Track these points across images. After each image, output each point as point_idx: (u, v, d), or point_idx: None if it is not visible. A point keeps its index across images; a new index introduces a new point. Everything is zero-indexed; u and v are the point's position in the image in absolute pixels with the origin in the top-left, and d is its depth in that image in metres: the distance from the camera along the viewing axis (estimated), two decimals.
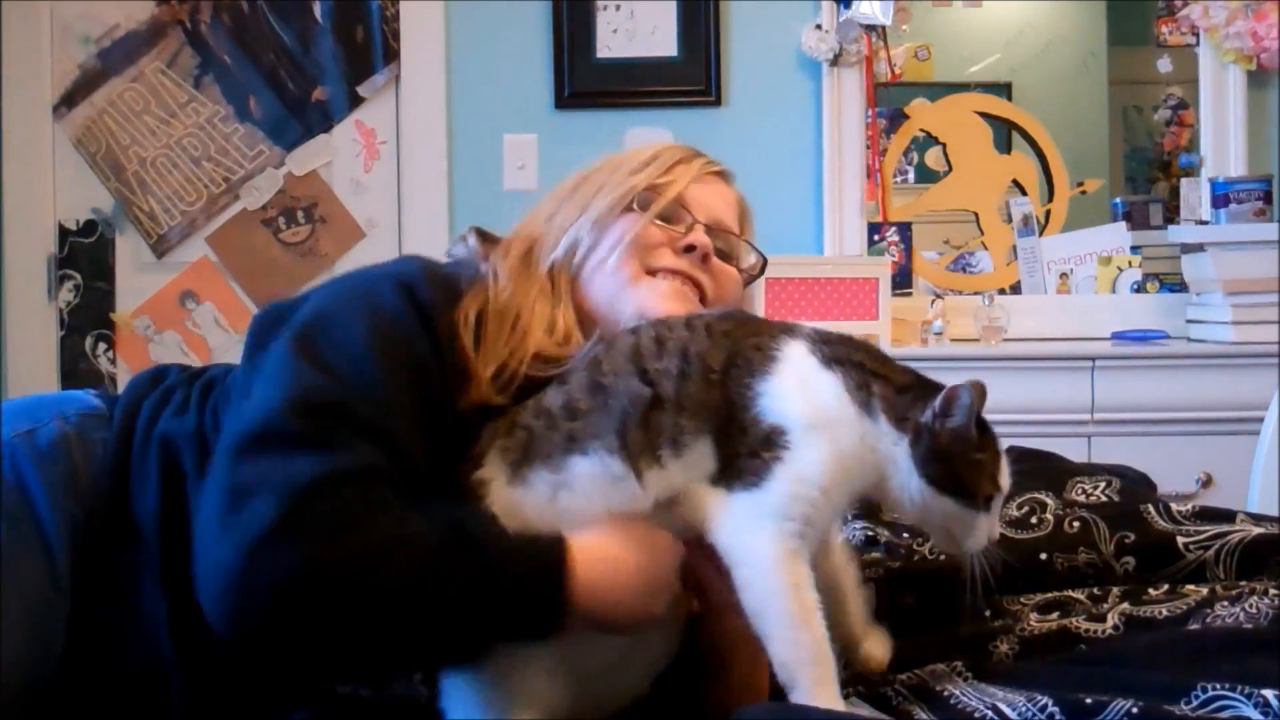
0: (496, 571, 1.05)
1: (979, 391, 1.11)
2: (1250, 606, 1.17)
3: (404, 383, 1.13)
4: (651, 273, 1.30)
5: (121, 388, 1.50)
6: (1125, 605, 1.21)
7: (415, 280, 1.20)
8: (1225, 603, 1.20)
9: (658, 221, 1.34)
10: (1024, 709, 1.05)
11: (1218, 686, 0.99)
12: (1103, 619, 1.20)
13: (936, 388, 1.14)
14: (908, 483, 1.11)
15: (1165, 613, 1.20)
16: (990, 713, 1.04)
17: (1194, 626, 1.16)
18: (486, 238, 1.38)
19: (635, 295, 1.28)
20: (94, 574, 1.24)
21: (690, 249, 1.31)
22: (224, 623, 1.02)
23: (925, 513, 1.12)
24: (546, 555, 1.08)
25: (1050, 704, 1.04)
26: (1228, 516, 1.51)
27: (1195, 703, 1.00)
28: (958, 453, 1.10)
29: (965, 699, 1.08)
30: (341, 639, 1.04)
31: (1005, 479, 1.14)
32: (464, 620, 1.06)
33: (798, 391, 1.11)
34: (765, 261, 1.41)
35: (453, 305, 1.20)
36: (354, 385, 1.10)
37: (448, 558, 1.04)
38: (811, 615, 1.07)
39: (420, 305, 1.18)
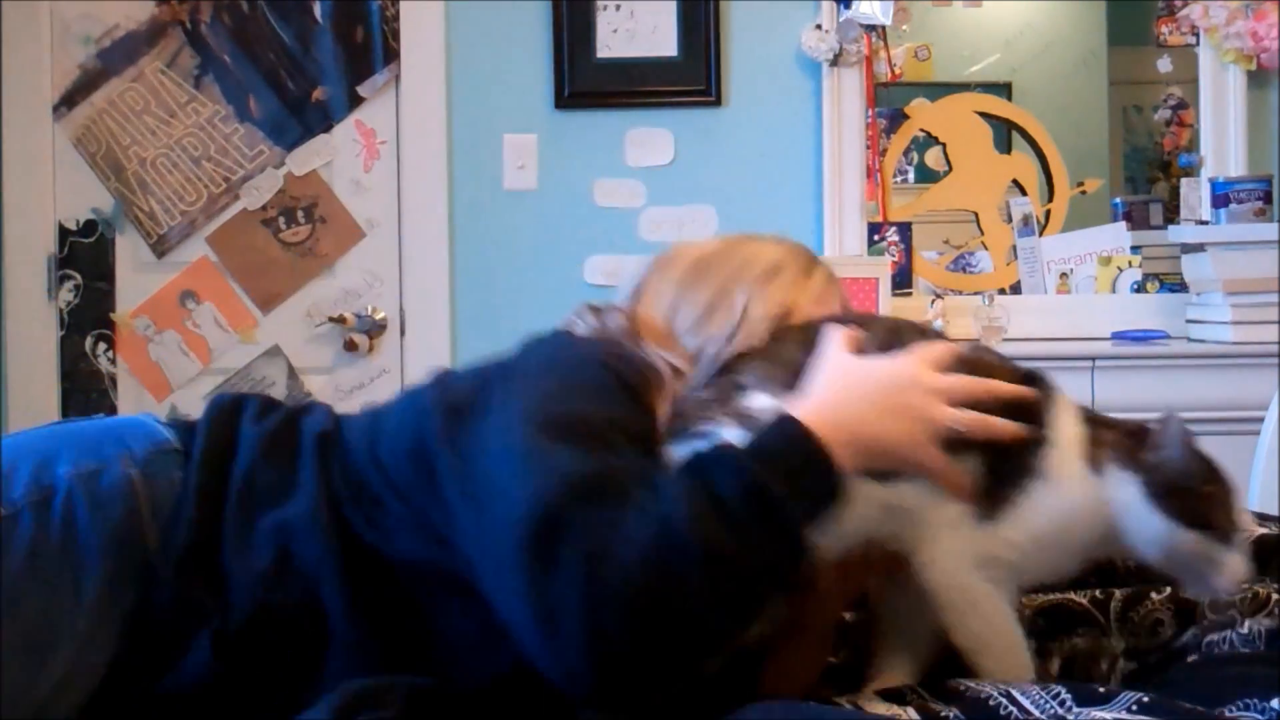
0: (763, 488, 1.02)
1: (1182, 422, 1.12)
2: (1243, 629, 1.17)
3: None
4: None
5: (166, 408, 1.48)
6: (1120, 663, 1.22)
7: (621, 364, 1.19)
8: (1215, 631, 1.19)
9: None
10: (1036, 696, 1.05)
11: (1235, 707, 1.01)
12: (1109, 699, 1.19)
13: (1146, 428, 1.14)
14: (1147, 525, 1.11)
15: (1158, 657, 1.19)
16: (1004, 699, 1.05)
17: (1192, 658, 1.17)
18: (598, 312, 1.36)
19: None
20: (144, 625, 1.22)
21: None
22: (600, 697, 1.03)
23: (1171, 554, 1.12)
24: (790, 433, 1.06)
25: (1063, 691, 1.05)
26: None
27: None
28: (1188, 485, 1.10)
29: (978, 688, 1.08)
30: (705, 630, 1.02)
31: (1243, 516, 1.14)
32: (777, 545, 1.03)
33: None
34: None
35: (649, 391, 1.20)
36: (606, 444, 1.09)
37: (727, 519, 1.01)
38: (1017, 646, 1.13)
39: (630, 387, 1.17)
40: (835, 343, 1.16)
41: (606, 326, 1.32)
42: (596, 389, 1.16)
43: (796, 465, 1.05)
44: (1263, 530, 1.45)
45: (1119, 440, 1.13)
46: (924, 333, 1.22)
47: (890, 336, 1.18)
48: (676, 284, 1.33)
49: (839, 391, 1.12)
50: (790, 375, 1.15)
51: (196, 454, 1.28)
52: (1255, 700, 1.01)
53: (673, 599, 0.99)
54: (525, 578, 1.02)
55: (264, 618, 1.22)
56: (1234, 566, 1.10)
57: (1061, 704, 1.04)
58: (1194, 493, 1.10)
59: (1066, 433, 1.13)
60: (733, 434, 1.10)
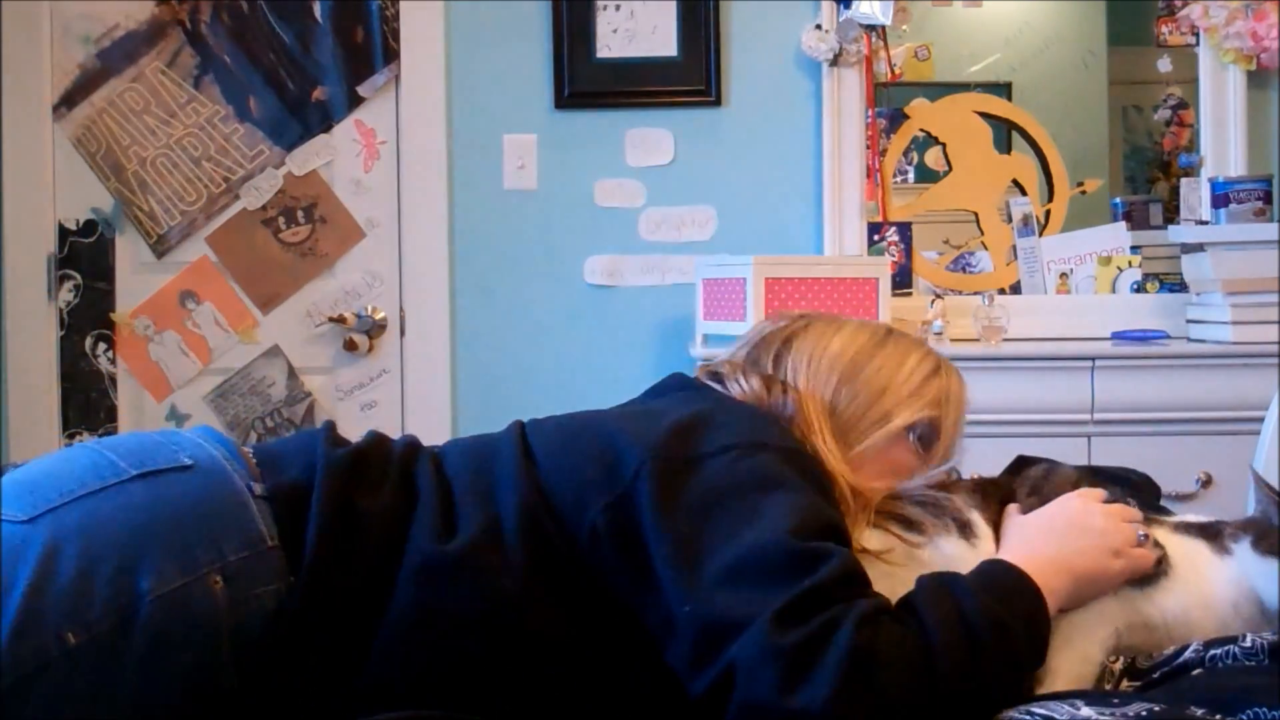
0: (1004, 625, 1.11)
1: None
2: (1246, 643, 1.17)
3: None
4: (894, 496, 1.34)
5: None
6: (1125, 680, 1.22)
7: (800, 458, 1.25)
8: (1216, 645, 1.19)
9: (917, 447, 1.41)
10: (1053, 704, 1.06)
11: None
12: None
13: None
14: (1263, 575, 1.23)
15: (1162, 672, 1.20)
16: (1024, 715, 1.05)
17: (1196, 672, 1.16)
18: (769, 385, 1.40)
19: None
20: None
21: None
22: None
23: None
24: (1012, 580, 1.16)
25: (1080, 701, 1.06)
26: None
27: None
28: None
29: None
30: None
31: None
32: (1002, 680, 1.11)
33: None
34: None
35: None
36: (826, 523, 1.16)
37: (975, 649, 1.09)
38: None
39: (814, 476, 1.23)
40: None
41: (780, 410, 1.36)
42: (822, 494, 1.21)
43: (1022, 604, 1.15)
44: None
45: (1235, 530, 1.29)
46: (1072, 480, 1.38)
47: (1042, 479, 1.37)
48: (837, 375, 1.40)
49: (1042, 537, 1.25)
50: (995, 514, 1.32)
51: (304, 570, 1.17)
52: (1264, 710, 1.01)
53: (917, 712, 1.05)
54: (772, 631, 1.05)
55: None
56: None
57: (1076, 709, 1.04)
58: None
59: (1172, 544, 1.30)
60: (951, 546, 1.25)
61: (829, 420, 1.34)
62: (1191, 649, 1.20)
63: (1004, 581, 1.16)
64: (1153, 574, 1.26)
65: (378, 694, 1.17)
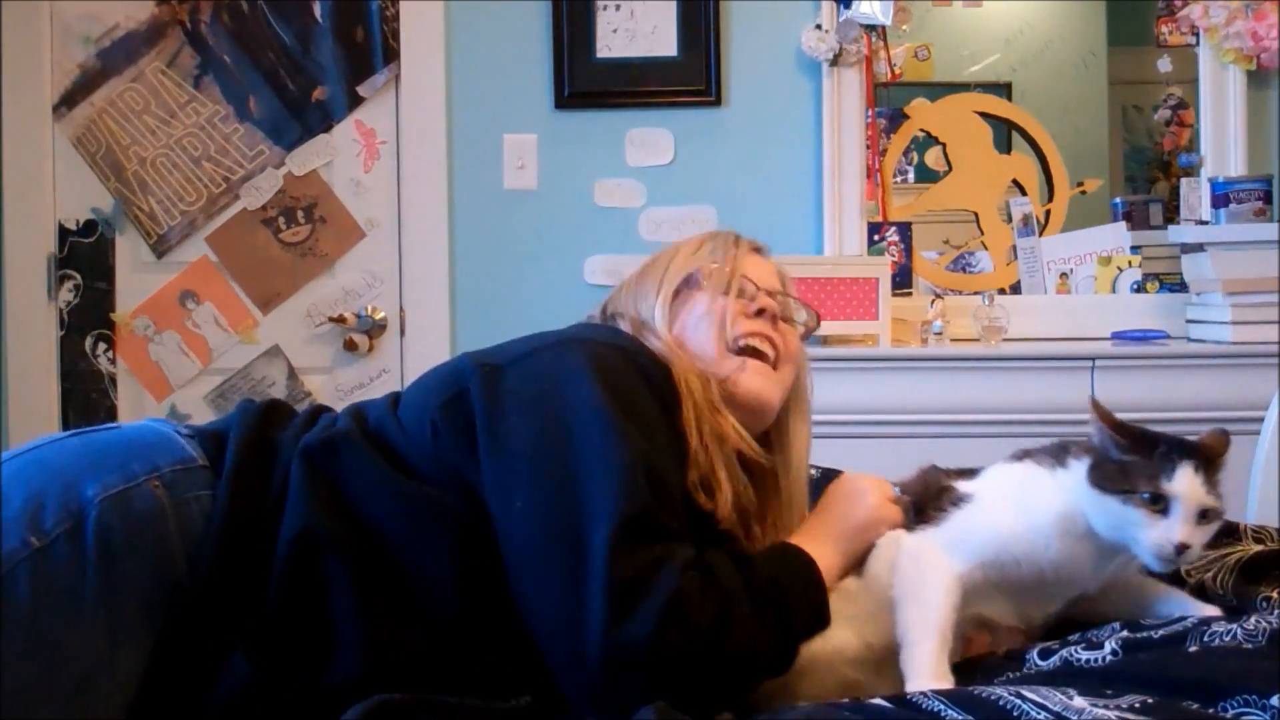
0: (786, 605, 1.27)
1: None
2: (1249, 625, 1.17)
3: (671, 455, 1.31)
4: (738, 350, 1.49)
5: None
6: (1125, 633, 1.22)
7: (642, 360, 1.36)
8: (1222, 621, 1.20)
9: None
10: (1046, 692, 1.06)
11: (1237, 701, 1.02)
12: (1100, 646, 1.21)
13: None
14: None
15: (1161, 634, 1.20)
16: (1014, 699, 1.05)
17: (1193, 649, 1.16)
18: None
19: (742, 381, 1.47)
20: (175, 646, 1.24)
21: (761, 312, 1.52)
22: (594, 690, 1.16)
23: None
24: (804, 567, 1.32)
25: (1072, 691, 1.06)
26: (1230, 532, 1.51)
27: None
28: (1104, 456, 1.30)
29: (987, 691, 1.09)
30: (688, 692, 1.18)
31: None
32: (777, 648, 1.26)
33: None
34: (818, 317, 1.64)
35: (669, 382, 1.38)
36: (659, 471, 1.26)
37: (762, 616, 1.24)
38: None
39: (654, 386, 1.34)
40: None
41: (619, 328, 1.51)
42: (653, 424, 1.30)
43: (809, 595, 1.31)
44: (1259, 548, 1.46)
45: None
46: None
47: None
48: (629, 285, 1.58)
49: (818, 517, 1.43)
50: None
51: (227, 470, 1.29)
52: (1255, 696, 1.01)
53: (710, 665, 1.19)
54: (587, 595, 1.15)
55: (287, 623, 1.24)
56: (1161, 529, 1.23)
57: (1069, 698, 1.05)
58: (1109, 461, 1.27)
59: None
60: None
61: (642, 325, 1.50)
62: (1191, 620, 1.21)
63: (784, 555, 1.34)
64: (941, 519, 1.34)
65: (307, 576, 1.26)
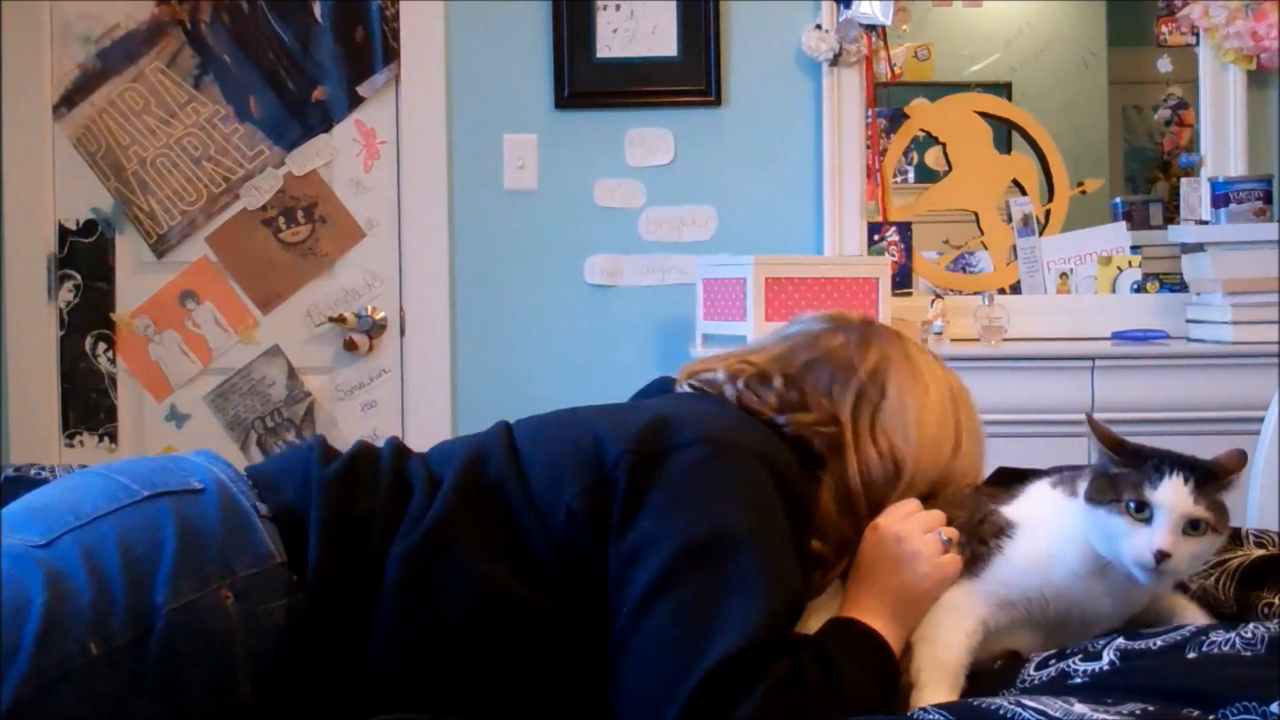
0: (869, 689, 1.21)
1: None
2: (1247, 633, 1.16)
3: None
4: None
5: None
6: (1121, 641, 1.22)
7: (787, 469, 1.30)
8: (1221, 629, 1.19)
9: None
10: (1047, 700, 1.06)
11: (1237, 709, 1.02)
12: (1098, 656, 1.21)
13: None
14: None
15: (1160, 643, 1.20)
16: (1015, 708, 1.05)
17: (1191, 655, 1.16)
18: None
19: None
20: None
21: None
22: None
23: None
24: (875, 644, 1.26)
25: (1076, 701, 1.06)
26: (1231, 536, 1.50)
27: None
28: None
29: (988, 702, 1.09)
30: None
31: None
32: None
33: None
34: None
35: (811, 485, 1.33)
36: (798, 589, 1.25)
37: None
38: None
39: (792, 496, 1.28)
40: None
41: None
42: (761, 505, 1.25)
43: (872, 655, 1.25)
44: (1260, 553, 1.46)
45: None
46: None
47: None
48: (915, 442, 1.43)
49: (864, 586, 1.33)
50: None
51: (308, 585, 1.21)
52: (1254, 704, 1.01)
53: None
54: (683, 683, 1.11)
55: None
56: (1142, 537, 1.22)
57: (1070, 705, 1.05)
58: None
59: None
60: None
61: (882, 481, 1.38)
62: (1191, 627, 1.21)
63: (856, 640, 1.26)
64: (982, 559, 1.30)
65: (381, 689, 1.21)
